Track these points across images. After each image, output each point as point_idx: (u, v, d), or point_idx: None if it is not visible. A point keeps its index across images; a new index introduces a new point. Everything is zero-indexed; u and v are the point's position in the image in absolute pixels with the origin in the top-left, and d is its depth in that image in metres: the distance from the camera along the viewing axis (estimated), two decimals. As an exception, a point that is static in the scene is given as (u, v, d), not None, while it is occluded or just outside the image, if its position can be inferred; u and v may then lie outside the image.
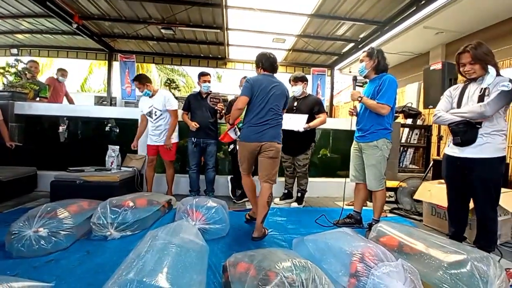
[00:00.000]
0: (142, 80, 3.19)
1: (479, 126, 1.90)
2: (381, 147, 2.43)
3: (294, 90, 3.24)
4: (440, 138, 3.84)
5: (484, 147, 1.89)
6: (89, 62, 11.39)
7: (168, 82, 7.07)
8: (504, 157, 1.92)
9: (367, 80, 2.60)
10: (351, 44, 6.20)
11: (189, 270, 1.36)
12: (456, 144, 2.01)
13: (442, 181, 2.76)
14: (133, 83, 3.22)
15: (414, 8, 4.21)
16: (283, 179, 3.62)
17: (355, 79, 2.63)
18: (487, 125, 1.89)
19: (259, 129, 2.32)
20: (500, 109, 1.86)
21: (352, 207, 2.79)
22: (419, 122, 4.62)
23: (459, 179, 2.05)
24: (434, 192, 2.73)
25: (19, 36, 6.54)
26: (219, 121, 3.48)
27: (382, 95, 2.36)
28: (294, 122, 3.13)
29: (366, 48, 2.58)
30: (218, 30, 5.72)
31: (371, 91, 2.46)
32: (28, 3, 4.73)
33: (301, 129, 3.07)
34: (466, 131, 1.93)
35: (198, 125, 3.23)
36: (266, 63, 2.43)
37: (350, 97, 2.53)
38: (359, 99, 2.44)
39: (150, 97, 3.22)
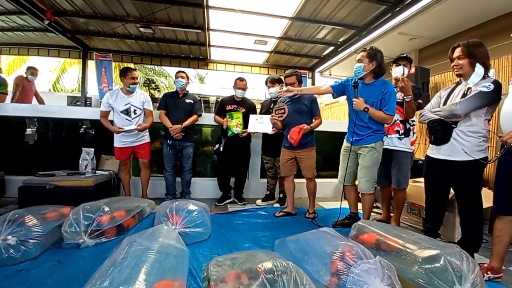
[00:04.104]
0: (123, 73, 3.04)
1: (454, 126, 1.87)
2: (378, 149, 2.38)
3: (271, 92, 3.24)
4: (414, 138, 4.00)
5: (457, 149, 1.85)
6: (62, 61, 10.86)
7: (147, 82, 6.85)
8: (482, 159, 1.81)
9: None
10: (331, 48, 6.35)
11: (169, 275, 1.31)
12: (430, 142, 2.03)
13: (418, 179, 2.89)
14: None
15: (390, 14, 4.41)
16: (265, 180, 3.62)
17: (356, 85, 2.32)
18: (463, 125, 1.85)
19: None
20: (479, 110, 1.79)
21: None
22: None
23: (436, 179, 2.05)
24: (410, 191, 2.84)
25: (-10, 34, 6.13)
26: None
27: (390, 106, 2.27)
28: (264, 124, 3.10)
29: (365, 46, 2.41)
30: (199, 31, 5.65)
31: (373, 97, 2.31)
32: (1, 1, 4.46)
33: (270, 132, 3.06)
34: (438, 130, 1.92)
35: (180, 137, 3.13)
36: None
37: (354, 106, 2.32)
38: (366, 110, 2.25)
39: (128, 93, 3.05)
